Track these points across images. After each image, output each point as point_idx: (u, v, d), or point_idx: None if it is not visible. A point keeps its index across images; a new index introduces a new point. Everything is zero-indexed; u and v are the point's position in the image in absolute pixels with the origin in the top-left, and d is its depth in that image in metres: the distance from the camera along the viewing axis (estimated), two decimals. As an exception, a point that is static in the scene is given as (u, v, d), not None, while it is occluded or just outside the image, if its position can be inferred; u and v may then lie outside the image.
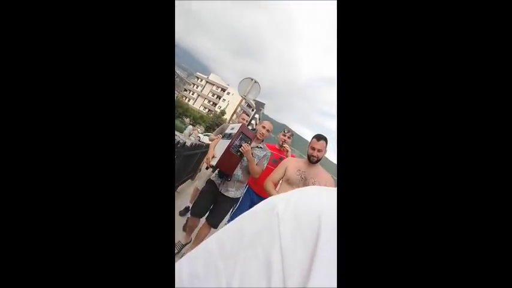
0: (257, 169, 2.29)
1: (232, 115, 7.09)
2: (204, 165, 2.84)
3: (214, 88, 68.33)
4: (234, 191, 2.37)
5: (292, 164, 2.14)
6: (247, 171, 2.36)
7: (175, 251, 2.32)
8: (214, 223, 2.33)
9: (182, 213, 3.31)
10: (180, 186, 4.11)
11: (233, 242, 0.23)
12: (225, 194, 2.33)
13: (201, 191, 2.49)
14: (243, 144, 2.18)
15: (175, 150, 2.75)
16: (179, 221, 3.02)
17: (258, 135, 2.41)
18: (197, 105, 67.19)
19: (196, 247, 0.25)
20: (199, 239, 2.28)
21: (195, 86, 71.75)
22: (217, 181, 2.35)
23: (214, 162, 2.19)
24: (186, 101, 62.88)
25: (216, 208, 2.37)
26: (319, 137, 2.07)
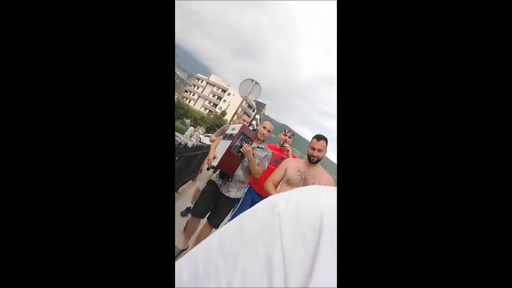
0: (258, 169, 2.29)
1: (233, 116, 7.10)
2: (205, 166, 2.85)
3: (214, 89, 68.43)
4: (235, 192, 2.37)
5: (292, 164, 2.14)
6: (248, 171, 2.37)
7: None
8: (215, 223, 2.34)
9: (183, 214, 3.32)
10: (181, 187, 4.12)
11: (234, 241, 0.23)
12: (226, 194, 2.34)
13: (202, 191, 2.49)
14: (244, 145, 2.18)
15: (177, 151, 2.76)
16: (181, 222, 3.02)
17: (258, 136, 2.41)
18: (198, 106, 67.27)
19: (197, 246, 0.25)
20: (200, 239, 2.28)
21: (196, 87, 71.87)
22: (218, 182, 2.35)
23: (215, 163, 2.20)
24: (187, 102, 62.97)
25: (217, 209, 2.37)
26: (319, 137, 2.08)
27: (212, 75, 74.90)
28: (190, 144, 3.55)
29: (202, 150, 4.51)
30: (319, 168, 2.10)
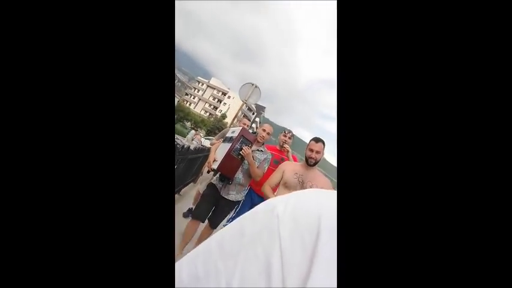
0: (258, 172, 2.30)
1: (234, 119, 7.12)
2: (206, 169, 2.85)
3: (215, 92, 68.59)
4: (235, 194, 2.37)
5: (290, 167, 2.15)
6: (248, 174, 2.37)
7: None
8: (216, 226, 2.34)
9: (186, 215, 3.33)
10: (183, 189, 4.13)
11: (233, 242, 0.23)
12: (226, 197, 2.34)
13: (202, 194, 2.49)
14: (243, 148, 2.19)
15: (179, 153, 2.76)
16: (183, 223, 3.02)
17: (258, 138, 2.42)
18: (198, 109, 67.38)
19: (196, 247, 0.26)
20: (201, 241, 2.28)
21: (196, 90, 72.03)
22: (219, 185, 2.35)
23: (215, 166, 2.20)
24: (187, 105, 63.07)
25: (217, 211, 2.37)
26: (317, 139, 2.10)
27: (212, 78, 75.15)
28: (192, 147, 3.57)
29: (204, 153, 4.52)
30: (316, 171, 2.10)
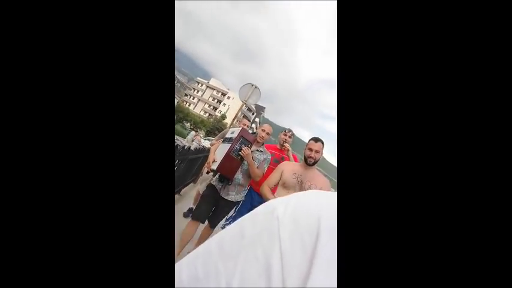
0: (258, 172, 2.29)
1: (234, 119, 7.13)
2: (205, 170, 2.85)
3: (214, 93, 68.59)
4: (234, 195, 2.37)
5: (288, 167, 2.14)
6: (247, 175, 2.37)
7: None
8: (215, 226, 2.35)
9: (186, 215, 3.34)
10: (183, 189, 4.13)
11: (233, 243, 0.23)
12: (226, 197, 2.33)
13: (202, 195, 2.49)
14: (243, 148, 2.18)
15: (180, 154, 2.76)
16: (183, 223, 3.02)
17: (258, 139, 2.42)
18: (198, 109, 67.37)
19: (196, 248, 0.25)
20: (201, 242, 2.28)
21: (196, 91, 72.04)
22: (218, 185, 2.35)
23: (214, 167, 2.20)
24: (187, 105, 63.06)
25: (217, 212, 2.37)
26: (316, 139, 2.10)
27: (212, 78, 75.13)
28: (192, 148, 3.57)
29: (204, 153, 4.52)
30: (315, 171, 2.10)
